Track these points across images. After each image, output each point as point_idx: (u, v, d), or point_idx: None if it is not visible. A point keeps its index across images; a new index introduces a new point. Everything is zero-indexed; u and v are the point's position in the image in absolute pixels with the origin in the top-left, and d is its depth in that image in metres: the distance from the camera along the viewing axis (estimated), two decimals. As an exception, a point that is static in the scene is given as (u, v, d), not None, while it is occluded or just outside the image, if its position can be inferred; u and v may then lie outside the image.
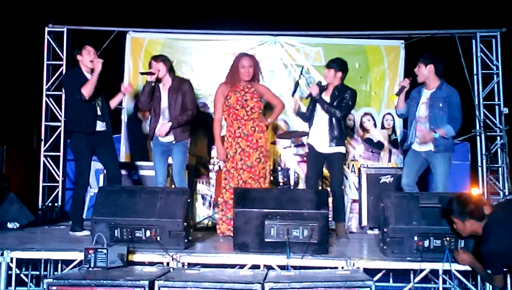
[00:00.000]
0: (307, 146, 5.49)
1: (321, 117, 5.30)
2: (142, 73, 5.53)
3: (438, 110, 4.94)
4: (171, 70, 5.33)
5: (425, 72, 5.01)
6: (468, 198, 3.81)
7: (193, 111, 5.30)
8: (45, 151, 7.25)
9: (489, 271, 3.60)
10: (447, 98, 4.93)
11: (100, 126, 5.20)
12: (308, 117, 5.46)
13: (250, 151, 5.13)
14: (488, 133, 7.14)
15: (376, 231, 5.77)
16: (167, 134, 5.22)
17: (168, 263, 4.03)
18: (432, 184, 5.09)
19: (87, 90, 5.02)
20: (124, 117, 7.21)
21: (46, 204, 7.06)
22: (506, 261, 3.60)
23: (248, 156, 5.13)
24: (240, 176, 5.10)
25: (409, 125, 5.19)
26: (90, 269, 3.66)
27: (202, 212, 6.82)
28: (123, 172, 6.35)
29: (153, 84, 5.19)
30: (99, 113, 5.19)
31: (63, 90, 6.33)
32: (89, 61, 5.09)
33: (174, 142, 5.24)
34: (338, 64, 5.32)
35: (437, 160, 4.92)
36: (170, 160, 5.42)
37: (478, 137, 7.28)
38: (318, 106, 5.31)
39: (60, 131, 7.24)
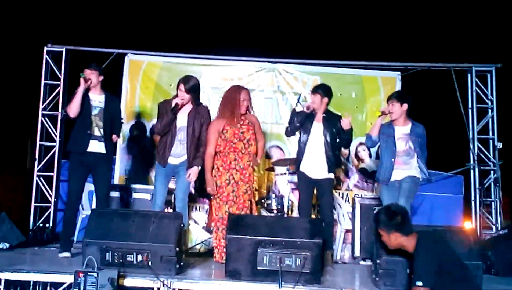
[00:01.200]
0: (298, 174, 5.45)
1: (316, 143, 5.28)
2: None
3: (415, 144, 5.15)
4: (195, 97, 5.13)
5: (399, 110, 5.18)
6: (395, 210, 3.71)
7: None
8: (38, 171, 7.19)
9: (419, 283, 3.37)
10: (422, 134, 5.18)
11: (97, 147, 5.08)
12: (294, 128, 5.40)
13: (240, 183, 5.07)
14: (482, 167, 7.18)
15: (369, 262, 5.73)
16: (193, 168, 5.11)
17: (158, 289, 3.98)
18: None
19: (70, 108, 5.03)
20: (119, 139, 7.18)
21: (37, 224, 6.97)
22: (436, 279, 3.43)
23: (238, 188, 5.08)
24: (231, 208, 5.04)
25: (385, 160, 5.25)
26: (80, 293, 3.61)
27: (195, 237, 6.76)
28: (116, 194, 6.32)
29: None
30: (96, 133, 5.09)
31: None
32: None
33: (183, 166, 5.12)
34: (324, 90, 5.34)
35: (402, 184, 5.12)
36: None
37: (471, 171, 7.33)
38: (312, 133, 5.28)
39: (55, 151, 7.19)
